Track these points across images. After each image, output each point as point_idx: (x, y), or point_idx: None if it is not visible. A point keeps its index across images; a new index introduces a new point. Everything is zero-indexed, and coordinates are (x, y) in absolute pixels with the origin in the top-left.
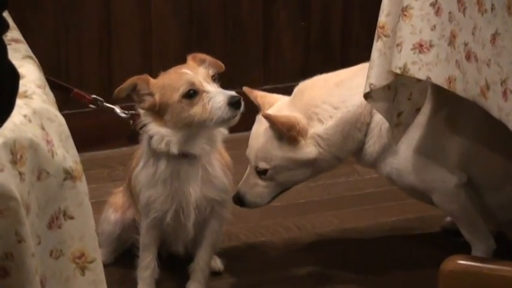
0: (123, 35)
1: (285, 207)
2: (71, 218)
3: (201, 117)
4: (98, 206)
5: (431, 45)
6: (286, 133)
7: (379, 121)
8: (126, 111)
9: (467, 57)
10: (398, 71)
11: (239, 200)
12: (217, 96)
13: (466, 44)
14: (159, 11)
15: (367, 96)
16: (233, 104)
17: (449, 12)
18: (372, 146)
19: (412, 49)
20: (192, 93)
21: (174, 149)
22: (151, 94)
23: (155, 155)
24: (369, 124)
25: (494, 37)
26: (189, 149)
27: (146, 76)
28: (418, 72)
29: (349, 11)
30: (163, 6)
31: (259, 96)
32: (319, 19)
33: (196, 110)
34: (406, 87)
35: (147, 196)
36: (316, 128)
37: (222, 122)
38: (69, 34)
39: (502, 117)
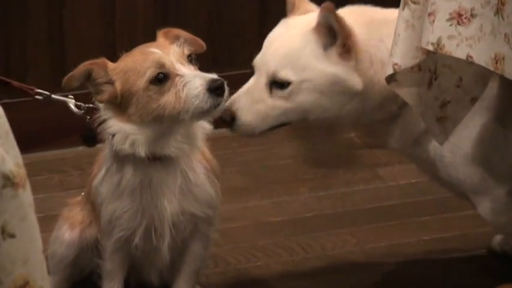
0: (79, 3)
1: (286, 222)
2: (12, 236)
3: (173, 109)
4: (47, 221)
5: (472, 15)
6: (343, 39)
7: None
8: (82, 104)
9: None
10: (430, 48)
11: (229, 116)
12: (193, 81)
13: None
14: None
15: (390, 79)
16: (214, 89)
17: None
18: (415, 120)
19: (448, 20)
20: (162, 78)
21: (141, 150)
22: (110, 82)
23: (119, 159)
24: None
25: None
26: (161, 150)
27: (103, 60)
28: (456, 49)
29: None
30: None
31: None
32: None
33: (168, 99)
34: (452, 70)
35: (110, 211)
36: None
37: (200, 113)
38: (10, 3)
39: None
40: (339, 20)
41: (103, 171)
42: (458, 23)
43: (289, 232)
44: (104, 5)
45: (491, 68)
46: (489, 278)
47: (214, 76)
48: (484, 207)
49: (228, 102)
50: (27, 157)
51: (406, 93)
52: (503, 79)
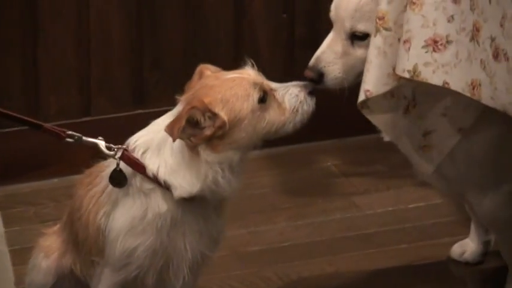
0: (53, 32)
1: (263, 252)
2: None
3: (279, 121)
4: (23, 254)
5: (448, 42)
6: None
7: None
8: (113, 146)
9: (495, 56)
10: (406, 75)
11: (317, 74)
12: (291, 90)
13: (493, 39)
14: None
15: (362, 105)
16: (312, 91)
17: None
18: None
19: (423, 46)
20: (263, 97)
21: (227, 187)
22: (213, 116)
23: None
24: None
25: None
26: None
27: (200, 99)
28: (432, 76)
29: None
30: None
31: None
32: (305, 10)
33: (272, 114)
34: (434, 97)
35: (127, 246)
36: None
37: (305, 117)
38: None
39: None
40: None
41: (113, 206)
42: (434, 50)
43: (266, 261)
44: (78, 34)
45: (468, 94)
46: None
47: (301, 82)
48: (485, 204)
49: (312, 61)
50: (2, 189)
51: (378, 119)
52: None
